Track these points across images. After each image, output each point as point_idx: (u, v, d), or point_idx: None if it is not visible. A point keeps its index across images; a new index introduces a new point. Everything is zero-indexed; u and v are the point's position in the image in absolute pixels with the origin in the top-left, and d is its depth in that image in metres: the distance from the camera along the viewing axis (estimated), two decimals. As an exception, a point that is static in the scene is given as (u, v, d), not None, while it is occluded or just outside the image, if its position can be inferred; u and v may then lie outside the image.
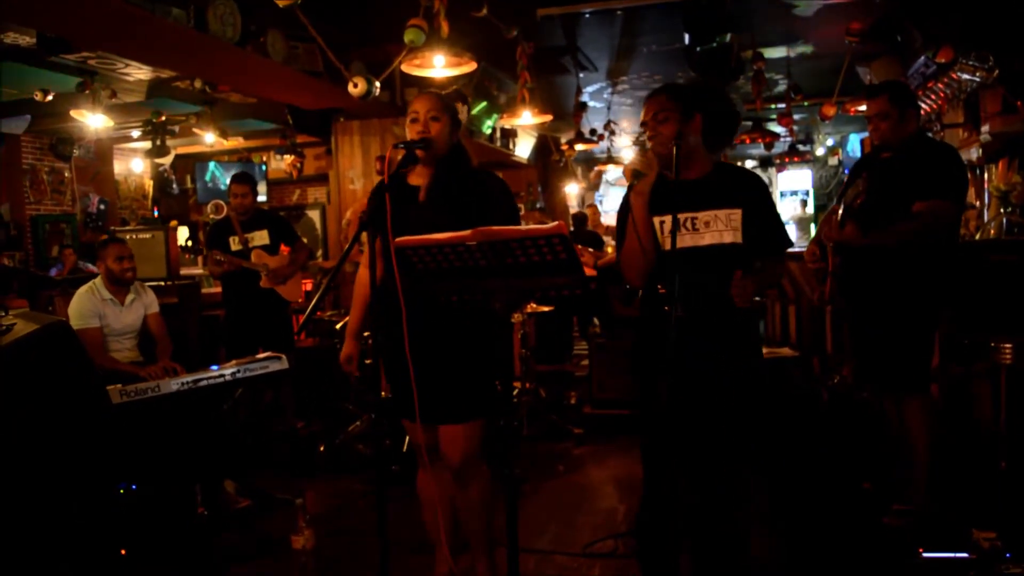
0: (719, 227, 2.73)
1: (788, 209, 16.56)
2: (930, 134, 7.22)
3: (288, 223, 6.09)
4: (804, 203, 15.95)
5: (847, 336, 4.13)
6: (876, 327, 3.66)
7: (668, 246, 2.68)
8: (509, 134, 10.33)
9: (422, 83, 6.83)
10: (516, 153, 10.78)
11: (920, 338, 3.61)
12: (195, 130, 8.28)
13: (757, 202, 2.77)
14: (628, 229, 2.77)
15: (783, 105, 9.25)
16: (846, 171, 13.70)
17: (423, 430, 2.94)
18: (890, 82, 4.24)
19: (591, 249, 7.17)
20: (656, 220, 2.79)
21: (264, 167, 10.25)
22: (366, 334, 3.24)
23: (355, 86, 4.85)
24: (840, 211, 3.68)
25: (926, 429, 3.60)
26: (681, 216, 2.73)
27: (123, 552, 3.49)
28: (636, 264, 2.79)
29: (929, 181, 3.47)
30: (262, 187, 10.02)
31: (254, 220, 5.68)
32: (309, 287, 7.67)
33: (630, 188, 2.74)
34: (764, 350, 5.37)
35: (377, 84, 4.96)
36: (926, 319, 3.60)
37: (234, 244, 5.61)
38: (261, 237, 5.65)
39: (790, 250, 2.94)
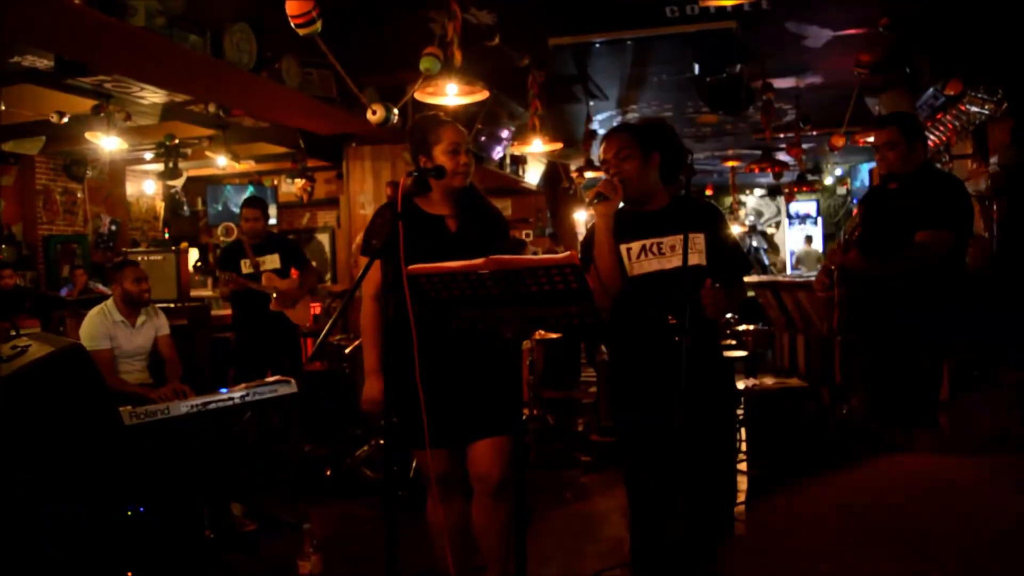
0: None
1: (797, 239, 16.50)
2: (938, 165, 7.25)
3: (299, 247, 6.13)
4: (809, 239, 15.63)
5: (855, 367, 4.11)
6: (883, 359, 3.66)
7: (633, 272, 2.86)
8: (519, 161, 10.39)
9: (433, 111, 6.88)
10: (526, 179, 10.84)
11: (928, 370, 3.60)
12: (207, 153, 8.35)
13: (716, 229, 2.89)
14: (594, 253, 2.87)
15: (792, 135, 9.30)
16: (854, 201, 13.71)
17: (447, 457, 2.96)
18: (901, 113, 4.26)
19: None
20: (623, 248, 2.89)
21: (275, 190, 10.31)
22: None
23: (374, 113, 4.90)
24: (841, 239, 3.71)
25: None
26: (647, 242, 2.86)
27: (129, 574, 3.49)
28: (603, 287, 2.86)
29: (933, 211, 3.47)
30: (272, 210, 10.08)
31: (265, 244, 5.73)
32: (318, 311, 7.69)
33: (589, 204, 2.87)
34: (772, 380, 5.38)
35: (395, 111, 5.01)
36: (934, 351, 3.59)
37: (245, 267, 5.64)
38: (272, 261, 5.69)
39: (798, 279, 3.01)
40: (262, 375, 4.38)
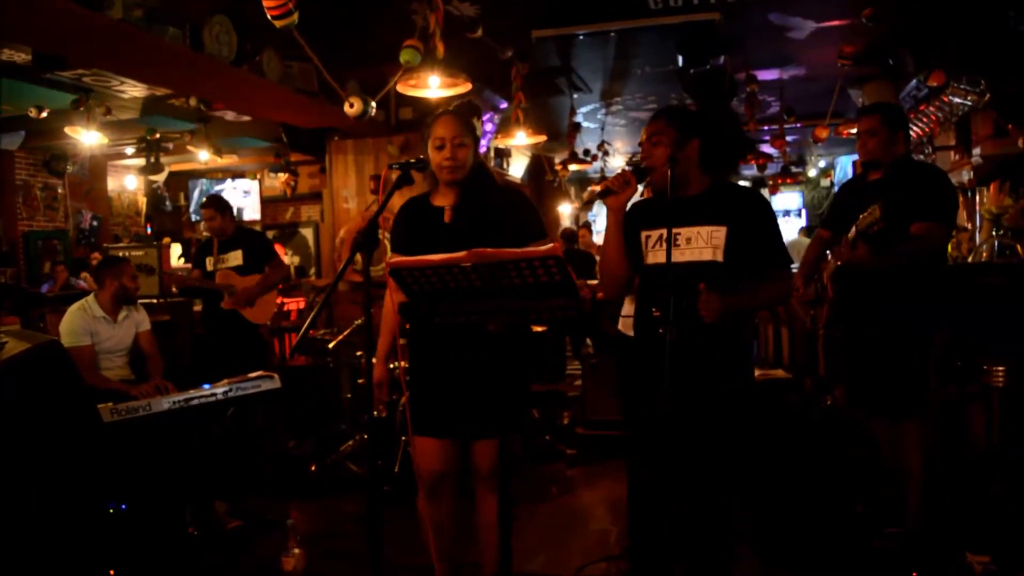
0: (699, 244, 2.76)
1: (783, 231, 16.53)
2: (922, 157, 7.28)
3: (266, 242, 5.91)
4: (803, 230, 15.64)
5: (841, 360, 4.10)
6: (872, 352, 3.65)
7: (648, 261, 2.82)
8: (503, 153, 10.37)
9: (417, 103, 6.86)
10: (510, 172, 10.81)
11: (917, 362, 3.59)
12: (189, 148, 8.29)
13: (751, 220, 2.77)
14: (601, 247, 2.86)
15: (776, 127, 9.31)
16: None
17: (449, 449, 2.95)
18: (884, 103, 4.25)
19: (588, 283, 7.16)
20: (643, 234, 2.86)
21: (258, 184, 10.25)
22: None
23: (351, 106, 4.86)
24: (852, 234, 3.65)
25: (924, 452, 3.58)
26: (664, 231, 2.75)
27: (112, 573, 3.46)
28: (607, 278, 2.87)
29: (925, 203, 3.47)
30: (256, 205, 10.02)
31: (230, 241, 5.62)
32: (296, 306, 7.64)
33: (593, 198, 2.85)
34: (757, 372, 5.37)
35: (373, 104, 4.97)
36: (921, 343, 3.59)
37: (209, 264, 5.58)
38: (235, 257, 5.58)
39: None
40: (229, 374, 4.25)
